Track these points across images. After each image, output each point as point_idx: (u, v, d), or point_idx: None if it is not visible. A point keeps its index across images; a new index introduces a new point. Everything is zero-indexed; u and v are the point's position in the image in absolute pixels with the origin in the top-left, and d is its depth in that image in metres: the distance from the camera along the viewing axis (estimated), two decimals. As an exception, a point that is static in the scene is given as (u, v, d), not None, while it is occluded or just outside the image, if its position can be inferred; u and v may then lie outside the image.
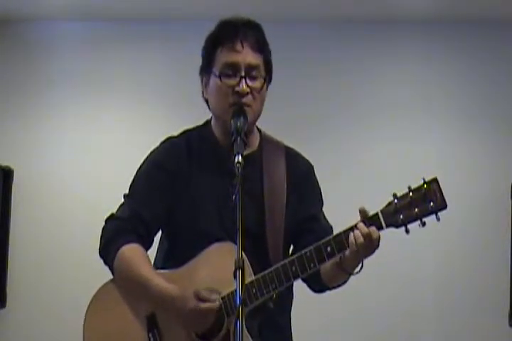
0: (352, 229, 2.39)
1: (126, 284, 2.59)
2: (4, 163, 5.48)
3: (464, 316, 5.23)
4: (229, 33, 2.55)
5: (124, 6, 5.40)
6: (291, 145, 2.77)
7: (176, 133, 2.73)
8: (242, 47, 2.53)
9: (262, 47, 2.59)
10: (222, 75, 2.53)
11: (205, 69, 2.60)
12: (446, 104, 5.46)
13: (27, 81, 5.62)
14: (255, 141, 2.66)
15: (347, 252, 2.40)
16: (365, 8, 5.34)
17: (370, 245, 2.37)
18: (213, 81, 2.56)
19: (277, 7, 5.33)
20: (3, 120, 5.62)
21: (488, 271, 5.22)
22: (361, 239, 2.35)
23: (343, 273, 2.47)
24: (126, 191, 2.68)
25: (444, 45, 5.49)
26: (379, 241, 2.38)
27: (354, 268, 2.46)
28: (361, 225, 2.37)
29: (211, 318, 2.45)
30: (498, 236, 5.24)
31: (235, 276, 2.14)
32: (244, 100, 2.52)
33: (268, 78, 2.60)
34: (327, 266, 2.47)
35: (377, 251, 2.44)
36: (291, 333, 2.69)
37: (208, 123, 2.70)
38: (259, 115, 2.60)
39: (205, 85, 2.61)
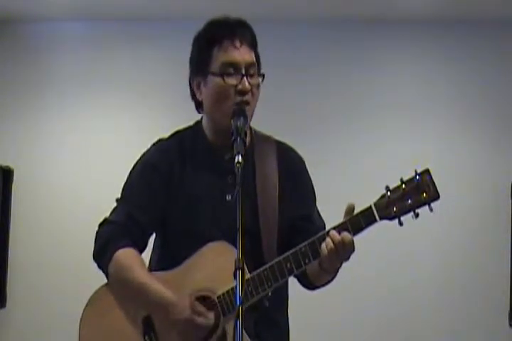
0: (344, 225, 2.38)
1: (121, 288, 2.57)
2: (4, 163, 5.48)
3: (463, 316, 5.23)
4: (225, 31, 2.53)
5: (124, 6, 5.40)
6: (291, 145, 2.76)
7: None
8: (241, 45, 2.52)
9: (255, 44, 2.58)
10: (225, 74, 2.51)
11: (200, 70, 2.56)
12: (446, 104, 5.47)
13: (27, 81, 5.62)
14: (247, 138, 2.65)
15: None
16: (365, 8, 5.34)
17: (344, 251, 2.37)
18: (213, 81, 2.53)
19: (277, 7, 5.33)
20: (3, 120, 5.63)
21: (488, 271, 5.23)
22: (331, 246, 2.35)
23: (325, 273, 2.48)
24: (119, 195, 2.67)
25: (444, 45, 5.50)
26: (353, 245, 2.38)
27: (334, 270, 2.47)
28: (333, 232, 2.37)
29: (202, 333, 2.44)
30: (498, 236, 5.24)
31: (235, 276, 2.14)
32: (246, 98, 2.51)
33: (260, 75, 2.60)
34: (312, 266, 2.46)
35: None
36: (288, 329, 2.68)
37: (198, 123, 2.68)
38: (254, 111, 2.59)
39: (198, 86, 2.58)
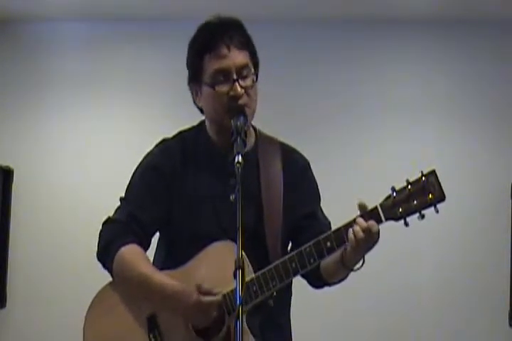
0: (351, 223, 2.39)
1: (126, 284, 2.58)
2: (4, 163, 5.48)
3: (463, 316, 5.23)
4: (213, 38, 2.53)
5: (124, 6, 5.40)
6: (291, 145, 2.77)
7: (172, 135, 2.73)
8: (229, 50, 2.52)
9: (246, 42, 2.58)
10: (215, 83, 2.52)
11: (195, 79, 2.58)
12: (446, 104, 5.46)
13: (27, 81, 5.62)
14: (251, 139, 2.65)
15: (347, 247, 2.40)
16: (365, 8, 5.34)
17: (370, 239, 2.37)
18: (206, 90, 2.55)
19: (277, 7, 5.33)
20: (3, 120, 5.62)
21: (488, 271, 5.22)
22: (361, 234, 2.35)
23: (344, 269, 2.48)
24: (123, 194, 2.68)
25: (444, 45, 5.49)
26: (378, 235, 2.39)
27: (355, 264, 2.46)
28: (360, 220, 2.38)
29: (213, 312, 2.45)
30: (498, 236, 5.24)
31: (235, 276, 2.14)
32: (240, 102, 2.52)
33: (256, 70, 2.59)
34: (327, 261, 2.47)
35: (377, 251, 2.44)
36: (291, 332, 2.69)
37: (202, 123, 2.69)
38: (255, 109, 2.59)
39: (197, 94, 2.60)
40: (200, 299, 2.43)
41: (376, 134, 5.45)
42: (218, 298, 2.44)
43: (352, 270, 2.48)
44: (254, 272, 2.45)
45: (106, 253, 2.58)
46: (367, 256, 2.45)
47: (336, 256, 2.44)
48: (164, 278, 2.50)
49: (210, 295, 2.44)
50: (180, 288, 2.47)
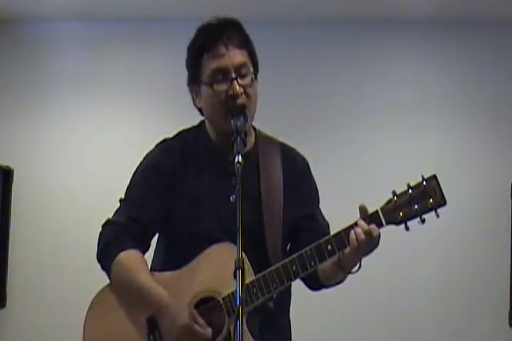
0: (352, 227, 2.40)
1: (123, 290, 2.58)
2: (4, 163, 5.48)
3: (463, 316, 5.22)
4: (211, 38, 2.54)
5: (124, 6, 5.40)
6: (291, 145, 2.77)
7: (172, 134, 2.73)
8: (227, 49, 2.53)
9: (245, 42, 2.58)
10: (214, 82, 2.52)
11: (194, 79, 2.59)
12: (446, 104, 5.46)
13: (27, 81, 5.62)
14: (251, 139, 2.65)
15: (347, 250, 2.41)
16: (365, 8, 5.34)
17: (371, 242, 2.38)
18: (205, 90, 2.55)
19: (277, 7, 5.33)
20: (3, 120, 5.62)
21: (488, 271, 5.22)
22: (362, 236, 2.36)
23: (341, 271, 2.48)
24: (123, 194, 2.68)
25: (444, 45, 5.50)
26: (379, 239, 2.39)
27: (352, 267, 2.47)
28: (362, 222, 2.38)
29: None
30: (498, 236, 5.24)
31: (235, 276, 2.14)
32: (239, 101, 2.52)
33: (255, 69, 2.59)
34: (325, 264, 2.47)
35: (377, 252, 2.44)
36: (291, 333, 2.69)
37: (202, 123, 2.70)
38: (255, 109, 2.59)
39: (196, 95, 2.61)
40: (189, 325, 2.43)
41: (376, 134, 5.45)
42: (208, 332, 2.43)
43: (349, 273, 2.48)
44: (254, 273, 2.45)
45: (105, 256, 2.58)
46: (367, 256, 2.45)
47: (333, 258, 2.44)
48: (160, 292, 2.49)
49: (203, 327, 2.44)
50: (173, 307, 2.46)
